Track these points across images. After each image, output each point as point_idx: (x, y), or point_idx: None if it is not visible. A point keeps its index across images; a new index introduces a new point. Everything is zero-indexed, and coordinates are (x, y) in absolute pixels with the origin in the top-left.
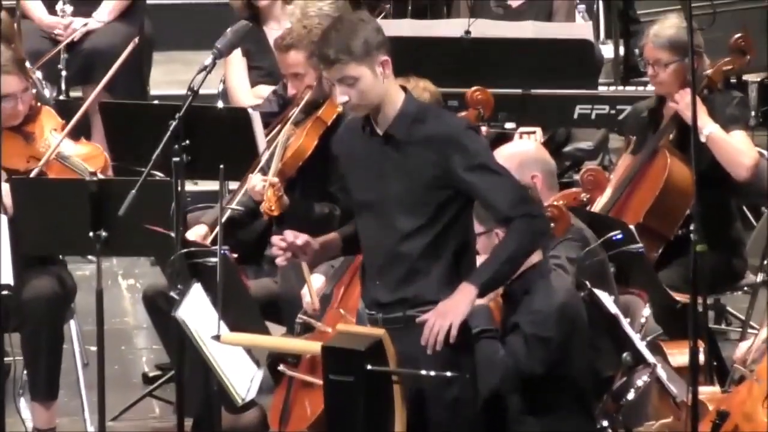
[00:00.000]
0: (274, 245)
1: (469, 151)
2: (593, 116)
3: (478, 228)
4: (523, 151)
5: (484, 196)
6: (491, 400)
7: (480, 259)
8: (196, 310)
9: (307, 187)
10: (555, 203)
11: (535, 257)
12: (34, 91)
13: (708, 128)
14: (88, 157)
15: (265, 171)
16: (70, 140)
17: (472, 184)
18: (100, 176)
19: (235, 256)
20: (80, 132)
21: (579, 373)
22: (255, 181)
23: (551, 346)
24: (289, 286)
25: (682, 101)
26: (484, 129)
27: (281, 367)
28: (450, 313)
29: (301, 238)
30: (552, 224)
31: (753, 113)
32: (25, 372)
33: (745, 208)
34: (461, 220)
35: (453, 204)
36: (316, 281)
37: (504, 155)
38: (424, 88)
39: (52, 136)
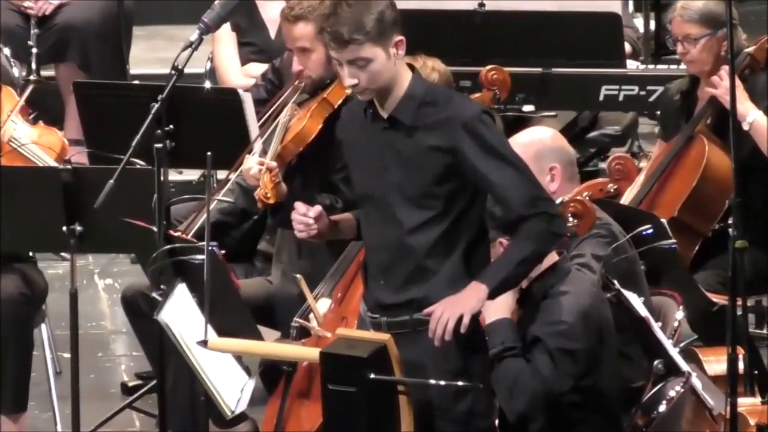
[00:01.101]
0: (295, 220)
1: (482, 138)
2: (621, 98)
3: None
4: (540, 139)
5: (497, 189)
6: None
7: None
8: (181, 313)
9: (307, 175)
10: (578, 197)
11: (554, 257)
12: None
13: (752, 115)
14: (42, 143)
15: (262, 153)
16: (26, 124)
17: (484, 175)
18: (75, 164)
19: (224, 252)
20: (52, 115)
21: (607, 384)
22: (251, 163)
23: (579, 358)
24: (285, 286)
25: (722, 85)
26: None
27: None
28: (461, 304)
29: (313, 211)
30: (575, 221)
31: None
32: None
33: None
34: (473, 212)
35: (464, 194)
36: (323, 305)
37: (519, 144)
38: (432, 68)
39: (10, 122)
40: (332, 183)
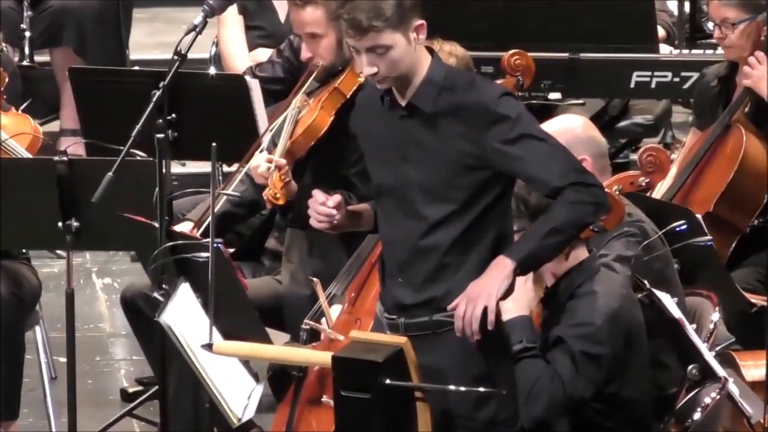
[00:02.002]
0: (315, 210)
1: (507, 122)
2: (653, 85)
3: None
4: (568, 129)
5: (528, 168)
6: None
7: None
8: (184, 315)
9: (318, 170)
10: (607, 191)
11: (582, 254)
12: None
13: None
14: (12, 132)
15: (270, 148)
16: None
17: (512, 157)
18: (71, 155)
19: (231, 250)
20: (47, 103)
21: (636, 392)
22: (259, 160)
23: (603, 364)
24: (295, 286)
25: (755, 72)
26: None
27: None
28: (482, 295)
29: (332, 200)
30: (603, 216)
31: None
32: None
33: None
34: (499, 206)
35: (489, 186)
36: (335, 312)
37: None
38: (449, 53)
39: None
40: (345, 177)
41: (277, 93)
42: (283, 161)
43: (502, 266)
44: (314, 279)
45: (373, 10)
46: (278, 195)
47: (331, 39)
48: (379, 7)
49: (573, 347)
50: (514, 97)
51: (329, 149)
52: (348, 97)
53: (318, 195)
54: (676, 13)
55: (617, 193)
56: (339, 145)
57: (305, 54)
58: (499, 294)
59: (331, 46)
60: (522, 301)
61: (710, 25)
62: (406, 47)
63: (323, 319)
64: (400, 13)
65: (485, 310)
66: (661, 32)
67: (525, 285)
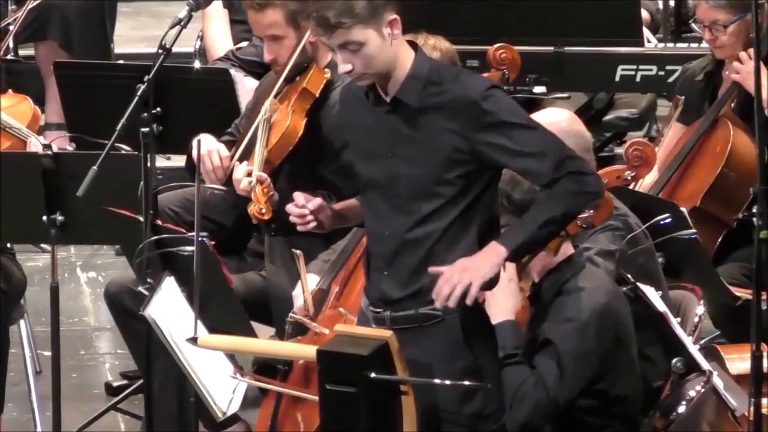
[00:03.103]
0: (291, 213)
1: (495, 114)
2: (638, 78)
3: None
4: (553, 123)
5: (520, 159)
6: None
7: None
8: (169, 309)
9: (293, 173)
10: None
11: (569, 249)
12: None
13: None
14: (13, 113)
15: (246, 155)
16: None
17: (503, 150)
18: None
19: (213, 243)
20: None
21: (626, 388)
22: (239, 173)
23: (593, 360)
24: (279, 281)
25: (745, 68)
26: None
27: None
28: (471, 270)
29: (313, 202)
30: (591, 211)
31: None
32: None
33: None
34: (486, 197)
35: (477, 180)
36: (311, 282)
37: None
38: (434, 46)
39: None
40: (322, 177)
41: (261, 75)
42: (264, 175)
43: (495, 252)
44: (297, 252)
45: (341, 7)
46: (263, 210)
47: (291, 40)
48: (348, 4)
49: (560, 348)
50: (500, 89)
51: (303, 151)
52: (317, 95)
53: (299, 198)
54: (660, 6)
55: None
56: (312, 145)
57: (267, 56)
58: (485, 278)
59: (293, 46)
60: (506, 306)
61: (697, 26)
62: (380, 43)
63: (301, 297)
64: (371, 9)
65: (470, 285)
66: (645, 15)
67: (509, 288)
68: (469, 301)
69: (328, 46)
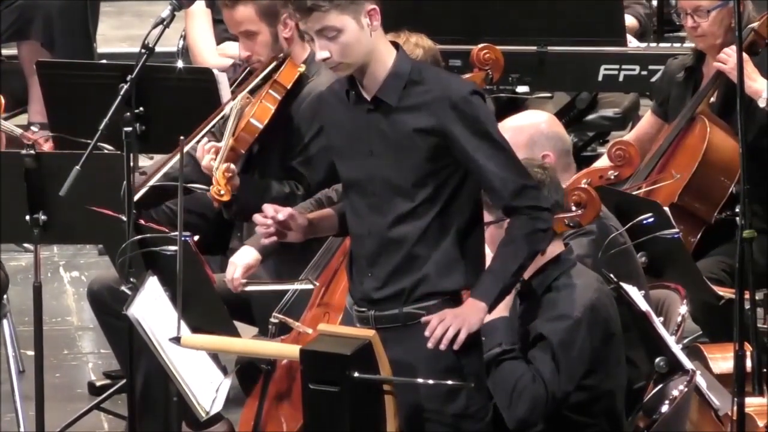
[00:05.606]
0: (257, 222)
1: (473, 120)
2: (621, 78)
3: (487, 218)
4: (533, 124)
5: (486, 175)
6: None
7: (488, 251)
8: (152, 308)
9: (262, 162)
10: (583, 185)
11: (557, 248)
12: None
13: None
14: None
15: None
16: None
17: (473, 159)
18: (38, 149)
19: (197, 240)
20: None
21: (613, 385)
22: (206, 160)
23: (584, 356)
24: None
25: (732, 59)
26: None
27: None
28: (462, 318)
29: (282, 212)
30: (579, 210)
31: None
32: None
33: None
34: (465, 194)
35: (455, 177)
36: (246, 255)
37: (511, 128)
38: (416, 44)
39: None
40: (291, 168)
41: None
42: (228, 164)
43: (477, 308)
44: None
45: None
46: (222, 192)
47: (265, 35)
48: None
49: (553, 342)
50: (483, 97)
51: (273, 141)
52: (288, 87)
53: (267, 209)
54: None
55: (586, 186)
56: (282, 137)
57: (243, 53)
58: (472, 329)
59: (267, 41)
60: (501, 303)
61: (677, 18)
62: (358, 31)
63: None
64: None
65: (459, 332)
66: (632, 21)
67: None
68: (456, 347)
69: (306, 35)
